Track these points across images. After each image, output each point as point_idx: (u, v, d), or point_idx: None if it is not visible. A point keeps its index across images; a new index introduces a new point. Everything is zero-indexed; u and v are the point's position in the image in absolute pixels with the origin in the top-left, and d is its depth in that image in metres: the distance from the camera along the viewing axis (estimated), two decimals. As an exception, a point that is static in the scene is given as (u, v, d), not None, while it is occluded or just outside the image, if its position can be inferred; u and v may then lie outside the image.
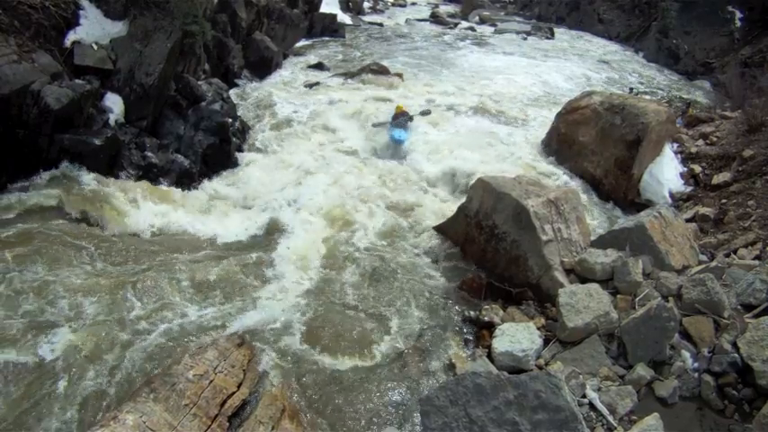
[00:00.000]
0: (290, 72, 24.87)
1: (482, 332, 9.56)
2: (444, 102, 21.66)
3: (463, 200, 12.11)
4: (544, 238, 10.33)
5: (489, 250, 11.13)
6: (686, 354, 8.13)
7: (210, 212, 12.96)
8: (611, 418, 7.43)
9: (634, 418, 7.46)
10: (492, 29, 45.92)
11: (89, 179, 12.06)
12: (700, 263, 10.69)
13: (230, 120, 15.70)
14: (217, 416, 7.02)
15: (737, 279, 9.29)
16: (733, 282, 9.30)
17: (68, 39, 13.03)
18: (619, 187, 14.87)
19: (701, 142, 16.42)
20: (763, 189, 13.21)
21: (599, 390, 7.86)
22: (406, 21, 46.24)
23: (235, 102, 17.30)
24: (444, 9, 56.64)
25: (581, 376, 8.02)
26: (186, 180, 13.84)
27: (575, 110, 16.47)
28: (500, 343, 8.84)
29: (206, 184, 14.21)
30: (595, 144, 15.43)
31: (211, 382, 7.35)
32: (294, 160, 15.77)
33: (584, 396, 7.73)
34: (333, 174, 14.99)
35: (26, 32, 12.03)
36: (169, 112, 14.73)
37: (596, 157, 15.38)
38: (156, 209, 12.35)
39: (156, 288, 9.68)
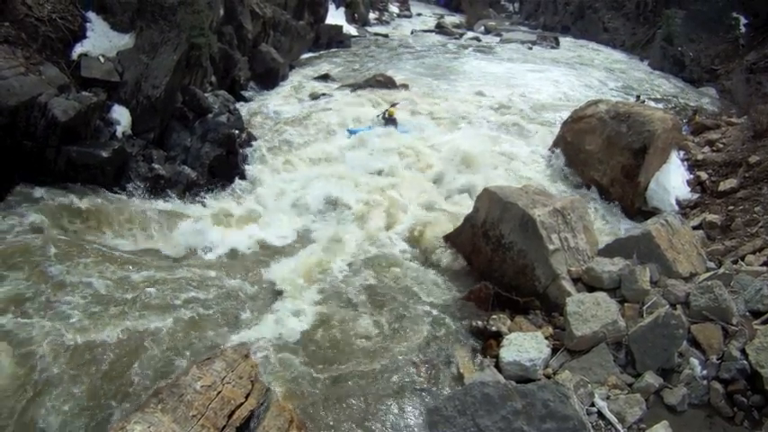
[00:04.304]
0: (297, 83, 24.93)
1: (489, 342, 9.53)
2: (450, 111, 21.70)
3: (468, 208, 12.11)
4: (551, 247, 10.32)
5: (496, 260, 11.12)
6: (695, 361, 8.11)
7: (217, 225, 12.96)
8: (619, 427, 7.41)
9: (643, 426, 7.44)
10: (497, 39, 46.05)
11: (96, 191, 12.11)
12: (707, 270, 10.66)
13: (237, 131, 15.77)
14: (224, 427, 7.00)
15: (745, 286, 9.27)
16: (741, 288, 9.27)
17: (75, 51, 13.12)
18: (625, 195, 14.84)
19: (707, 149, 16.39)
20: (771, 195, 13.21)
21: (607, 398, 7.84)
22: (412, 32, 46.41)
23: (241, 113, 17.35)
24: (450, 20, 56.80)
25: (589, 385, 7.99)
26: (193, 192, 13.86)
27: (581, 118, 16.48)
28: (508, 352, 8.82)
29: (213, 195, 14.21)
30: (602, 152, 15.41)
31: (219, 392, 7.33)
32: (300, 171, 15.84)
33: (592, 405, 7.71)
34: (338, 185, 15.00)
35: (33, 45, 12.13)
36: (176, 124, 14.79)
37: (602, 165, 15.36)
38: (163, 222, 12.38)
39: (162, 300, 9.71)
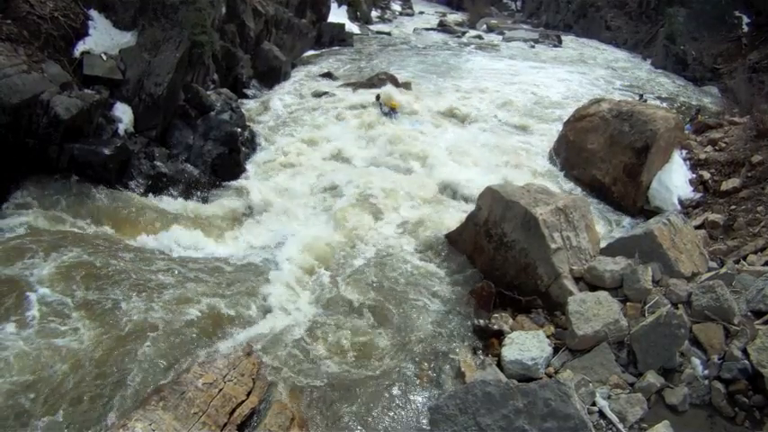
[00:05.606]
0: (299, 82, 24.95)
1: (491, 341, 9.53)
2: (454, 108, 21.72)
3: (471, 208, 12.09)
4: (553, 246, 10.30)
5: (498, 259, 11.10)
6: (696, 361, 8.10)
7: (219, 223, 12.98)
8: (620, 426, 7.39)
9: (644, 425, 7.42)
10: (500, 37, 46.12)
11: (99, 189, 12.12)
12: (709, 269, 10.64)
13: (239, 129, 15.77)
14: (226, 424, 7.02)
15: (747, 285, 9.25)
16: (743, 288, 9.25)
17: (78, 49, 13.10)
18: (628, 194, 14.84)
19: (709, 148, 16.35)
20: (773, 195, 13.19)
21: (609, 398, 7.83)
22: (414, 30, 46.46)
23: (243, 111, 17.35)
24: (452, 18, 56.94)
25: (591, 384, 7.99)
26: (195, 190, 13.89)
27: (583, 117, 16.47)
28: (509, 351, 8.82)
29: (215, 193, 14.23)
30: (604, 151, 15.40)
31: (221, 390, 7.35)
32: (302, 170, 15.83)
33: (593, 404, 7.70)
34: (340, 181, 14.98)
35: (36, 42, 12.11)
36: (178, 121, 14.79)
37: (605, 164, 15.35)
38: (165, 221, 12.39)
39: (164, 298, 9.68)
